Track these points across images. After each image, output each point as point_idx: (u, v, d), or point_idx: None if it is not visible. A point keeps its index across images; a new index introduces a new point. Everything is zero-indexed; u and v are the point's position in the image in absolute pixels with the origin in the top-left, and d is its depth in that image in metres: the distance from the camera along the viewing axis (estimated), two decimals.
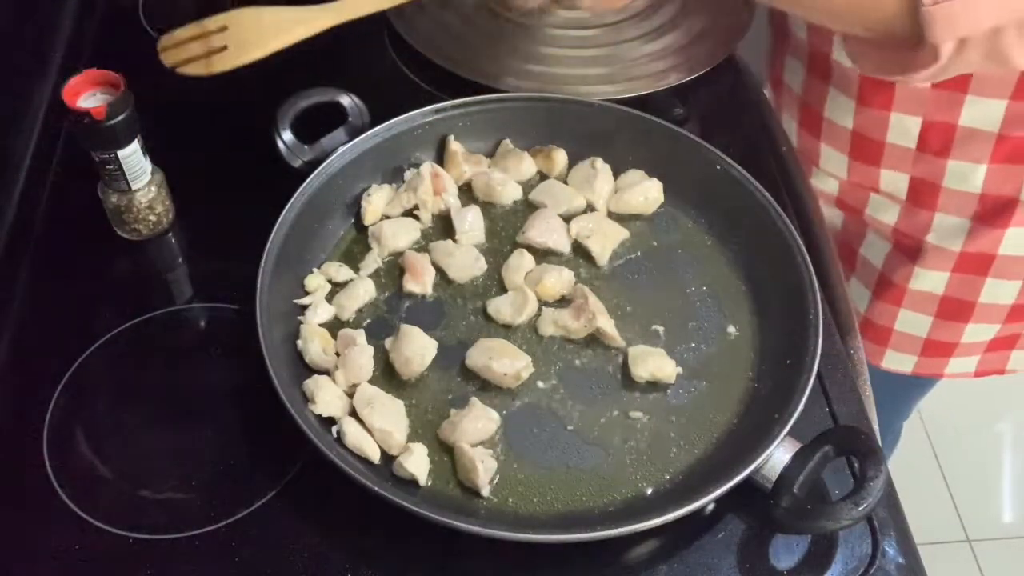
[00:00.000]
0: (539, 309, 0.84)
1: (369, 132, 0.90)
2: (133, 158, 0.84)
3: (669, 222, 0.92)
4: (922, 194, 1.00)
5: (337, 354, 0.79)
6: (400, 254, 0.87)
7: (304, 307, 0.82)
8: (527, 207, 0.92)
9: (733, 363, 0.81)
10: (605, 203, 0.92)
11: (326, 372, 0.78)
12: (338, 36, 0.86)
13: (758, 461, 0.70)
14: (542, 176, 0.94)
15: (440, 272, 0.86)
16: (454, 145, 0.93)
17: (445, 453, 0.75)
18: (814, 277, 0.82)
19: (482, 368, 0.79)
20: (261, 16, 0.85)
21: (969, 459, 2.00)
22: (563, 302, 0.85)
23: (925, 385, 1.22)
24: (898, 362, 1.12)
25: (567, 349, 0.82)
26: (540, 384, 0.79)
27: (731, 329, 0.84)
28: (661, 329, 0.83)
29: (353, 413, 0.75)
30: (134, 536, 0.71)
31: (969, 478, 1.97)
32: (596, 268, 0.88)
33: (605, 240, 0.88)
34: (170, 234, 0.91)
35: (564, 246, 0.88)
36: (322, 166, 0.86)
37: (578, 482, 0.74)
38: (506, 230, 0.90)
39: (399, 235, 0.88)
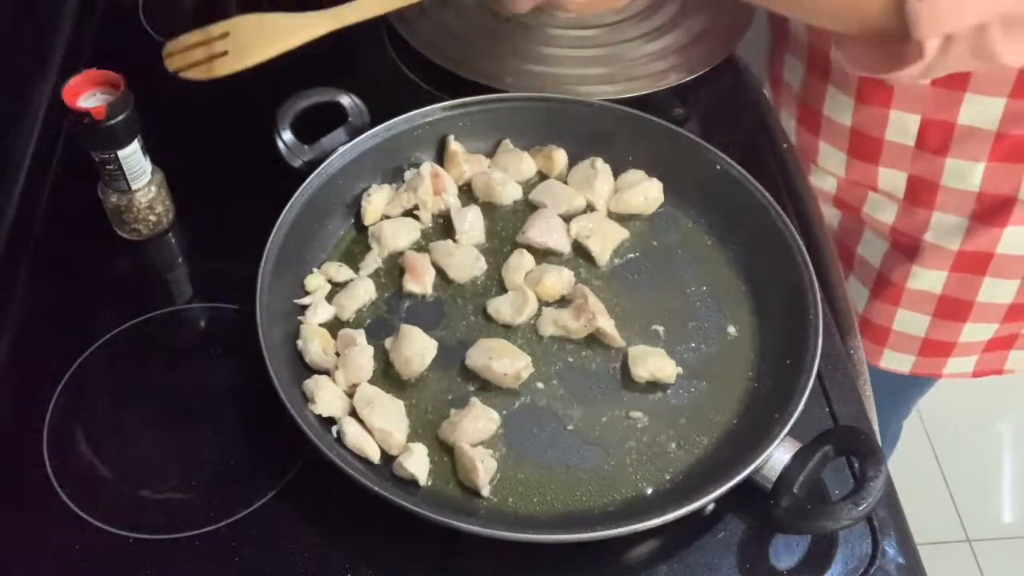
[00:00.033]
0: (539, 309, 0.84)
1: (369, 132, 0.90)
2: (133, 158, 0.84)
3: (669, 222, 0.92)
4: (920, 192, 1.00)
5: (337, 354, 0.79)
6: (400, 254, 0.87)
7: (304, 307, 0.82)
8: (527, 207, 0.92)
9: (733, 363, 0.81)
10: (605, 203, 0.92)
11: (326, 372, 0.78)
12: (338, 37, 0.86)
13: (758, 461, 0.70)
14: (542, 176, 0.94)
15: (440, 272, 0.86)
16: (454, 145, 0.93)
17: (445, 453, 0.75)
18: (814, 277, 0.82)
19: (482, 368, 0.79)
20: (262, 22, 0.85)
21: (969, 459, 2.00)
22: (563, 302, 0.85)
23: (923, 385, 1.22)
24: (896, 362, 1.12)
25: (567, 349, 0.82)
26: (540, 384, 0.79)
27: (731, 329, 0.84)
28: (661, 329, 0.83)
29: (353, 413, 0.75)
30: (134, 536, 0.71)
31: (969, 478, 1.97)
32: (596, 268, 0.88)
33: (605, 240, 0.88)
34: (170, 234, 0.91)
35: (564, 246, 0.88)
36: (322, 166, 0.86)
37: (578, 482, 0.74)
38: (506, 230, 0.90)
39: (399, 235, 0.88)
